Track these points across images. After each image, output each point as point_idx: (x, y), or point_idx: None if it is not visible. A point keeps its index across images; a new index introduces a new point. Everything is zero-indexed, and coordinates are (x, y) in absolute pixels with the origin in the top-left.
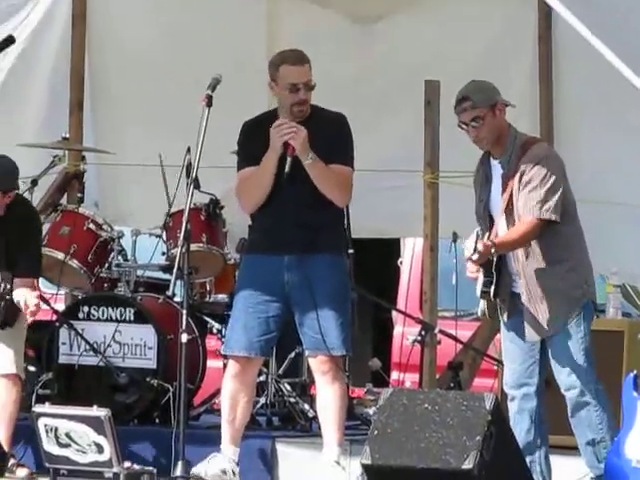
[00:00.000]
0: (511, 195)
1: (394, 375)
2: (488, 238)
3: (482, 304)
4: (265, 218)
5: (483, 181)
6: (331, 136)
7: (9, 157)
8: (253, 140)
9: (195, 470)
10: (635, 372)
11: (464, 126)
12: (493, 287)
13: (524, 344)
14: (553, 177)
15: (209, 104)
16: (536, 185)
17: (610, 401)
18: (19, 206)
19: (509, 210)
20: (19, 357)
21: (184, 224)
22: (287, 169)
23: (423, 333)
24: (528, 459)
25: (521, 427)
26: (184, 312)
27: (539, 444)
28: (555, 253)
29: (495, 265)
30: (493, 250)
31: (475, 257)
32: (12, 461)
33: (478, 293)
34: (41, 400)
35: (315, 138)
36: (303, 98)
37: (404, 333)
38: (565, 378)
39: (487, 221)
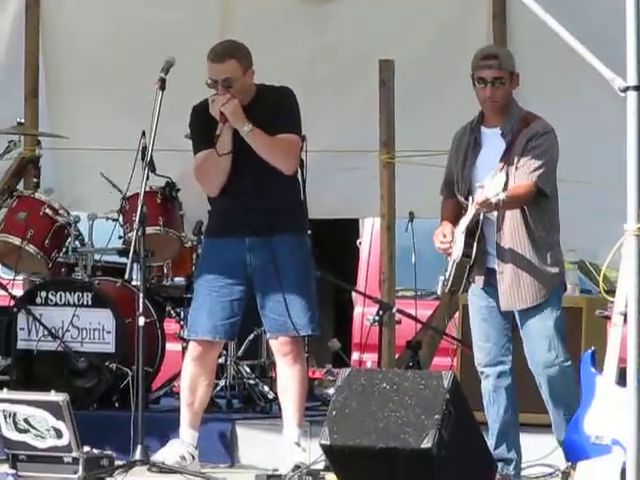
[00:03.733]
0: (508, 162)
1: (355, 356)
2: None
3: (443, 280)
4: (224, 201)
5: (471, 147)
6: (273, 107)
7: None
8: (203, 123)
9: (154, 458)
10: (593, 348)
11: (481, 83)
12: (474, 256)
13: (498, 323)
14: (554, 153)
15: (162, 87)
16: (540, 153)
17: None
18: None
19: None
20: None
21: (139, 207)
22: (217, 132)
23: (381, 313)
24: (507, 437)
25: (499, 405)
26: (141, 295)
27: (515, 422)
28: (539, 229)
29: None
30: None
31: (495, 199)
32: None
33: (452, 262)
34: (0, 386)
35: (259, 113)
36: (220, 94)
37: (364, 313)
38: (543, 355)
39: (467, 186)
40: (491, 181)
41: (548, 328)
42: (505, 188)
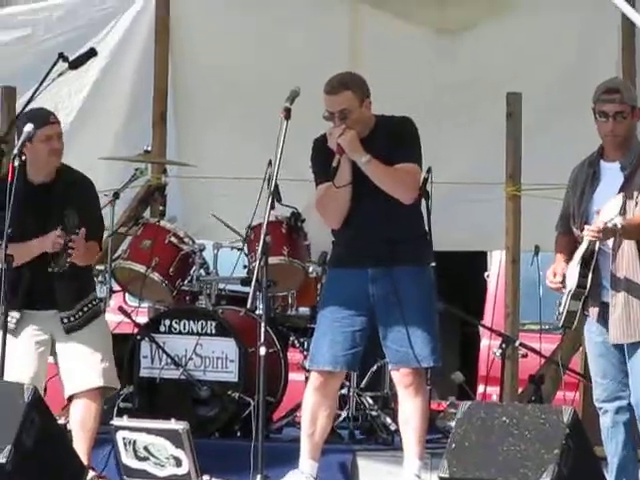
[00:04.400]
0: (626, 196)
1: (480, 389)
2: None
3: (557, 314)
4: (347, 232)
5: (589, 180)
6: (393, 137)
7: None
8: (323, 156)
9: None
10: None
11: (602, 117)
12: (589, 287)
13: (614, 357)
14: None
15: (287, 117)
16: None
17: None
18: (67, 172)
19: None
20: (105, 364)
21: (262, 237)
22: (334, 164)
23: (504, 346)
24: (626, 472)
25: (617, 440)
26: (262, 324)
27: (635, 458)
28: None
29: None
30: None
31: (611, 223)
32: (92, 473)
33: (567, 293)
34: (122, 414)
35: (378, 144)
36: (337, 126)
37: (490, 346)
38: None
39: (583, 220)
40: (606, 205)
41: None
42: (621, 213)
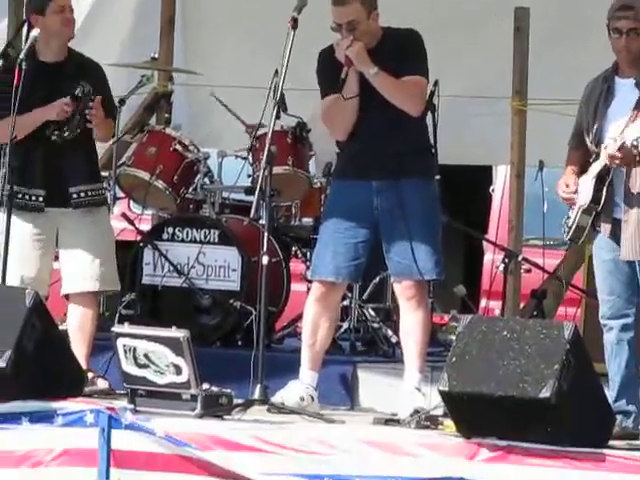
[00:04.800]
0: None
1: (483, 303)
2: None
3: (565, 228)
4: (353, 144)
5: (603, 96)
6: (400, 49)
7: None
8: (329, 67)
9: (273, 399)
10: None
11: (616, 33)
12: (602, 202)
13: (623, 275)
14: None
15: (294, 26)
16: None
17: None
18: (78, 54)
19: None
20: (105, 266)
21: (267, 146)
22: (342, 76)
23: (506, 261)
24: (628, 390)
25: (621, 358)
26: (265, 234)
27: (636, 375)
28: None
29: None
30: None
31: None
32: (91, 374)
33: (578, 207)
34: (124, 320)
35: (386, 56)
36: (345, 38)
37: (494, 261)
38: None
39: (597, 135)
40: (631, 127)
41: None
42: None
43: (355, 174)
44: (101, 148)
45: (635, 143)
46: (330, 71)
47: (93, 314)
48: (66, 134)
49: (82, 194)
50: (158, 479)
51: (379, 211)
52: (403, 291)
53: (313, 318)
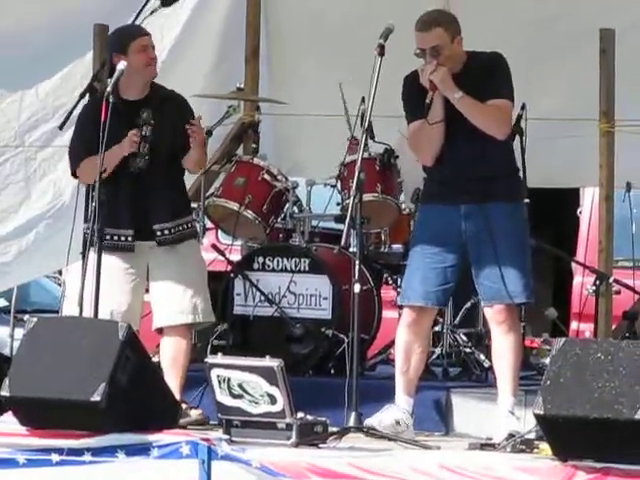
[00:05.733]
0: None
1: (573, 325)
2: None
3: None
4: (440, 170)
5: None
6: (484, 73)
7: None
8: (414, 93)
9: (369, 421)
10: None
11: None
12: None
13: None
14: None
15: (381, 53)
16: None
17: None
18: (161, 88)
19: None
20: (198, 298)
21: (356, 174)
22: (427, 101)
23: (597, 283)
24: None
25: None
26: (357, 262)
27: None
28: None
29: None
30: None
31: None
32: (184, 406)
33: None
34: (216, 351)
35: (470, 80)
36: (429, 63)
37: (583, 283)
38: None
39: None
40: None
41: None
42: None
43: (442, 199)
44: (189, 179)
45: None
46: (415, 97)
47: (187, 346)
48: (139, 163)
49: (166, 231)
50: None
51: (467, 235)
52: (494, 315)
53: (405, 344)
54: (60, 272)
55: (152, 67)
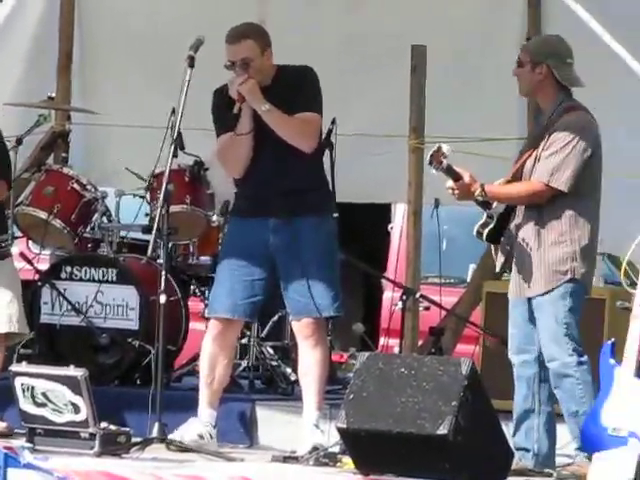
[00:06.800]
0: (530, 155)
1: (382, 341)
2: None
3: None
4: (248, 183)
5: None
6: (293, 87)
7: None
8: (224, 106)
9: (172, 436)
10: (613, 340)
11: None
12: (487, 230)
13: (523, 309)
14: (576, 147)
15: (191, 65)
16: (555, 151)
17: (593, 373)
18: None
19: (519, 169)
20: (12, 310)
21: (164, 185)
22: (235, 111)
23: (404, 298)
24: (524, 426)
25: (519, 393)
26: (163, 272)
27: (537, 411)
28: (551, 223)
29: (501, 214)
30: (478, 191)
31: (454, 188)
32: None
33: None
34: (23, 359)
35: (280, 93)
36: (238, 75)
37: (393, 298)
38: (545, 350)
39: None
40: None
41: (549, 324)
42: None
43: (251, 212)
44: None
45: None
46: (224, 110)
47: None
48: None
49: None
50: None
51: (275, 249)
52: (301, 329)
53: (210, 356)
54: None
55: None
